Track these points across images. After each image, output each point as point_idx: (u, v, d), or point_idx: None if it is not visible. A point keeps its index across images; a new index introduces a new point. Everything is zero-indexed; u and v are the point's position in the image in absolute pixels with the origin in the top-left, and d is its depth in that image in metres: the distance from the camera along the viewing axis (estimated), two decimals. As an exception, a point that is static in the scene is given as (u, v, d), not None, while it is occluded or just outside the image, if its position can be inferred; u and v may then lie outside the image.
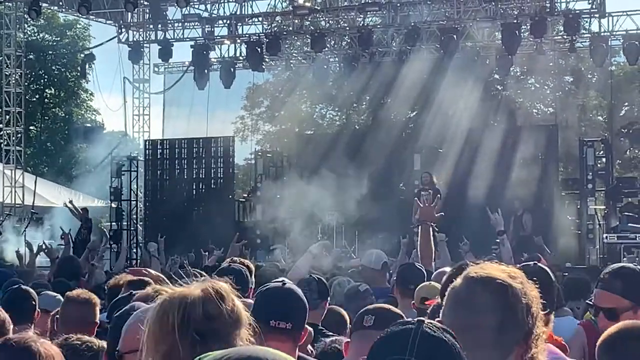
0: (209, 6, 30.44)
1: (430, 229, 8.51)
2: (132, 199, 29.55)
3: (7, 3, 30.87)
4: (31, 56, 40.56)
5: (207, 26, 30.16)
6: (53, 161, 47.97)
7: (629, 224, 22.17)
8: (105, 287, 6.95)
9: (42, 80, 49.85)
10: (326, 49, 29.56)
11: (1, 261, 23.12)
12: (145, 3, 30.35)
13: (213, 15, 30.48)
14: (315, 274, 7.40)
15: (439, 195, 21.19)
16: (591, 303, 4.97)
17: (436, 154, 26.43)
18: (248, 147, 43.14)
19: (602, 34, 27.23)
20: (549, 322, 4.05)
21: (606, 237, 22.43)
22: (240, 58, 30.82)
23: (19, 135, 31.28)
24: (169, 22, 30.59)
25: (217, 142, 29.39)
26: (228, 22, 30.06)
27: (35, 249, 16.67)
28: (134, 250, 28.20)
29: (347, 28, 29.90)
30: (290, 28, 30.05)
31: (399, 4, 27.89)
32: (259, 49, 28.99)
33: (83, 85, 48.05)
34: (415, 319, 2.42)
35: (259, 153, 32.29)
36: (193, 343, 2.71)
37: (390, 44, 29.44)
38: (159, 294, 4.66)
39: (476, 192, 23.13)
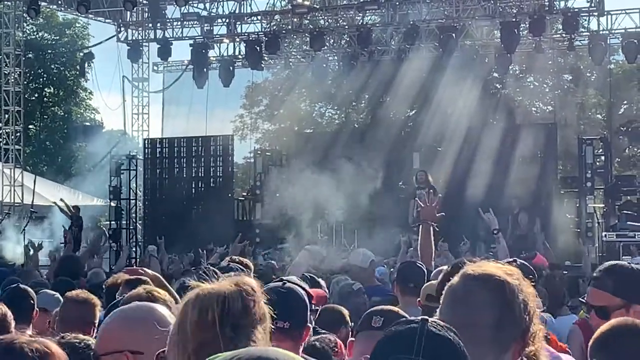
0: (208, 5, 30.43)
1: (431, 228, 8.53)
2: (131, 197, 29.57)
3: (6, 2, 30.85)
4: (30, 55, 40.62)
5: (206, 25, 30.17)
6: (52, 160, 47.96)
7: (628, 222, 22.21)
8: (104, 286, 6.94)
9: (41, 79, 49.85)
10: (325, 47, 29.56)
11: (1, 260, 23.12)
12: (145, 2, 30.36)
13: (212, 14, 30.49)
14: (309, 273, 7.42)
15: (435, 192, 21.28)
16: (584, 301, 4.99)
17: (435, 153, 26.44)
18: (247, 145, 43.16)
19: (601, 32, 27.24)
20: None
21: (605, 236, 22.47)
22: (240, 57, 30.82)
23: (18, 134, 31.27)
24: (168, 20, 30.59)
25: (216, 140, 29.40)
26: (227, 20, 30.07)
27: (35, 247, 16.67)
28: (134, 249, 28.21)
29: (346, 27, 29.91)
30: (289, 27, 30.05)
31: (397, 3, 27.89)
32: (258, 48, 29.00)
33: (82, 84, 48.08)
34: (420, 318, 2.42)
35: (258, 152, 32.26)
36: (230, 337, 2.73)
37: (389, 42, 29.44)
38: (150, 293, 4.68)
39: (475, 190, 23.13)
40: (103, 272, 12.47)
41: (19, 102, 31.08)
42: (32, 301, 6.68)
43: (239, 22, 30.10)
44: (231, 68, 30.63)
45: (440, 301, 3.00)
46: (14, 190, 31.19)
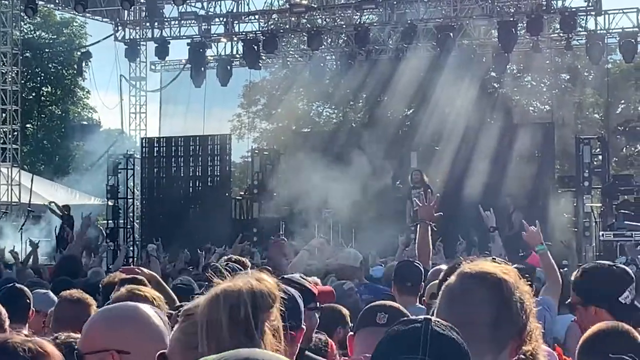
0: (205, 4, 30.44)
1: (429, 227, 8.56)
2: (128, 196, 29.57)
3: (3, 1, 30.84)
4: (27, 54, 40.62)
5: (203, 24, 30.17)
6: (49, 159, 47.95)
7: (625, 222, 22.21)
8: (100, 285, 6.94)
9: (38, 78, 49.83)
10: (323, 46, 29.56)
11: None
12: (142, 1, 30.35)
13: (209, 13, 30.48)
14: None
15: (430, 191, 21.25)
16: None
17: (433, 152, 26.44)
18: (245, 144, 43.16)
19: (599, 31, 27.24)
20: None
21: (602, 235, 22.47)
22: (237, 56, 30.82)
23: (16, 133, 31.25)
24: (165, 20, 30.59)
25: (213, 139, 29.38)
26: (225, 20, 30.08)
27: (35, 246, 16.70)
28: (131, 248, 28.20)
29: (344, 26, 29.92)
30: (287, 26, 30.07)
31: (395, 2, 27.91)
32: (255, 47, 29.00)
33: (79, 83, 48.06)
34: (422, 317, 2.42)
35: (256, 151, 32.24)
36: (254, 332, 2.79)
37: (387, 41, 29.44)
38: (132, 292, 4.67)
39: (472, 190, 23.13)
40: (103, 272, 12.45)
41: (17, 101, 31.05)
42: (27, 301, 6.67)
43: (236, 21, 30.10)
44: (229, 67, 30.63)
45: (438, 300, 3.01)
46: (12, 190, 31.17)
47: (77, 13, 31.06)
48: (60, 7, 32.72)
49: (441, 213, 9.18)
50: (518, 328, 2.86)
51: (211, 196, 28.57)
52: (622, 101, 43.51)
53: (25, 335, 2.87)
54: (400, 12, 28.10)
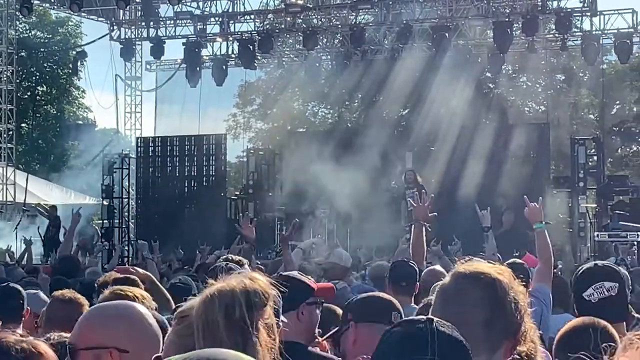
0: (201, 4, 30.42)
1: (423, 228, 8.57)
2: (123, 196, 29.50)
3: (-2, 0, 30.84)
4: (23, 53, 40.54)
5: (199, 24, 30.15)
6: (45, 158, 47.89)
7: (620, 222, 22.21)
8: (96, 285, 6.93)
9: (33, 78, 49.75)
10: (318, 46, 29.56)
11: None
12: (137, 0, 30.31)
13: (205, 12, 30.46)
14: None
15: (424, 192, 21.24)
16: None
17: (428, 152, 26.45)
18: (240, 144, 43.09)
19: (594, 32, 27.28)
20: None
21: (597, 235, 22.47)
22: (233, 56, 30.82)
23: (11, 132, 31.23)
24: (161, 19, 30.56)
25: (209, 139, 29.34)
26: (220, 19, 30.06)
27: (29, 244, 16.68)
28: (126, 247, 28.16)
29: (339, 26, 29.92)
30: (283, 26, 30.05)
31: (391, 2, 27.90)
32: (251, 47, 28.99)
33: (75, 83, 48.04)
34: (424, 317, 2.42)
35: (251, 151, 32.23)
36: (251, 330, 2.82)
37: (383, 42, 29.45)
38: (116, 294, 4.66)
39: (468, 190, 23.14)
40: (100, 271, 12.44)
41: (12, 101, 31.02)
42: (21, 300, 6.65)
43: (232, 21, 30.08)
44: (224, 67, 30.62)
45: (433, 300, 3.01)
46: (6, 189, 31.15)
47: (72, 12, 31.04)
48: (55, 7, 32.69)
49: (436, 213, 9.18)
50: (512, 328, 2.86)
51: (206, 196, 28.55)
52: (617, 102, 43.56)
53: (20, 335, 2.87)
54: (396, 12, 28.10)
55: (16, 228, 26.59)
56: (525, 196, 8.01)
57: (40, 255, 24.91)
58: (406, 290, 7.34)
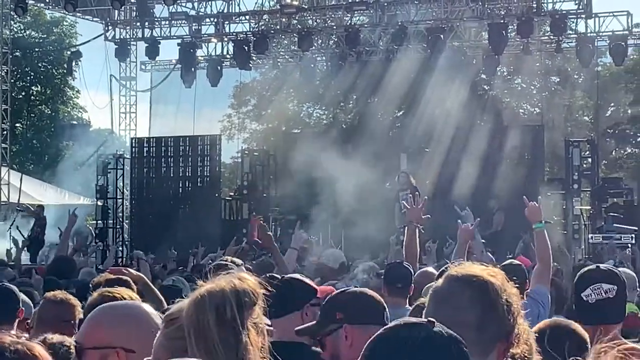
0: (196, 4, 30.40)
1: (417, 230, 8.59)
2: (118, 196, 29.51)
3: (-7, 0, 30.80)
4: (17, 53, 40.44)
5: (194, 24, 30.13)
6: (39, 159, 47.85)
7: (614, 224, 22.26)
8: (90, 285, 6.92)
9: (28, 78, 49.70)
10: (313, 47, 29.56)
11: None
12: (132, 0, 30.29)
13: (200, 13, 30.45)
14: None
15: (418, 194, 21.18)
16: None
17: (422, 154, 26.45)
18: (235, 145, 43.17)
19: (589, 34, 27.32)
20: None
21: (591, 237, 22.51)
22: (228, 56, 30.80)
23: (5, 132, 31.19)
24: (156, 19, 30.53)
25: (203, 140, 29.32)
26: (215, 20, 30.04)
27: (20, 245, 16.63)
28: (120, 248, 28.16)
29: (335, 27, 29.91)
30: (278, 27, 30.04)
31: (386, 4, 27.91)
32: (246, 48, 28.99)
33: (69, 83, 47.97)
34: (425, 320, 2.40)
35: (246, 151, 32.24)
36: (242, 330, 2.82)
37: (378, 43, 29.46)
38: (104, 296, 4.66)
39: (462, 192, 23.14)
40: (94, 272, 12.43)
41: (6, 101, 30.98)
42: (16, 301, 6.63)
43: (227, 22, 30.07)
44: (219, 67, 30.61)
45: (426, 302, 3.02)
46: (0, 189, 31.10)
47: (67, 12, 31.00)
48: (50, 7, 32.67)
49: (429, 215, 9.20)
50: (505, 330, 2.86)
51: (201, 196, 28.52)
52: (612, 104, 43.65)
53: (17, 337, 2.85)
54: (391, 13, 28.12)
55: (10, 228, 26.53)
56: (524, 196, 7.99)
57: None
58: (401, 291, 7.36)
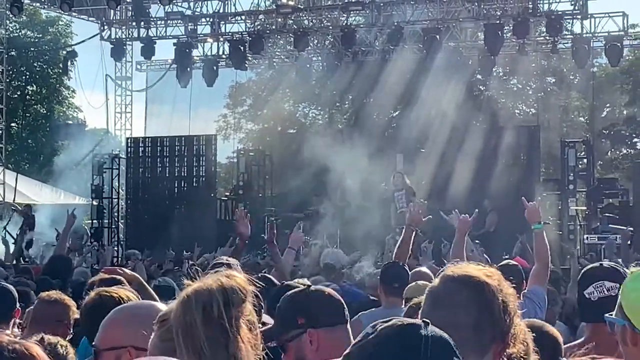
0: (192, 4, 30.40)
1: (414, 233, 8.63)
2: (113, 196, 29.50)
3: (-12, -1, 30.76)
4: (13, 53, 40.43)
5: (190, 24, 30.12)
6: (34, 158, 47.74)
7: (610, 225, 22.28)
8: (87, 285, 6.93)
9: (23, 77, 49.59)
10: (309, 48, 29.56)
11: None
12: (128, 0, 30.28)
13: (196, 13, 30.45)
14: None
15: (414, 197, 21.20)
16: None
17: (418, 154, 26.44)
18: (230, 145, 43.13)
19: (584, 35, 27.35)
20: None
21: (587, 238, 22.53)
22: (223, 56, 30.79)
23: (0, 132, 31.16)
24: (151, 19, 30.51)
25: (199, 140, 29.31)
26: (211, 20, 30.03)
27: (9, 245, 16.63)
28: (115, 248, 28.12)
29: (331, 27, 29.92)
30: (274, 27, 30.03)
31: (382, 4, 27.91)
32: (242, 48, 28.98)
33: (65, 83, 47.88)
34: (421, 320, 2.39)
35: (242, 151, 32.22)
36: (231, 329, 2.82)
37: (374, 43, 29.46)
38: (101, 295, 4.67)
39: (458, 192, 23.14)
40: (89, 272, 12.42)
41: (1, 100, 30.97)
42: (13, 300, 6.63)
43: (223, 22, 30.06)
44: (215, 67, 30.60)
45: (422, 303, 3.02)
46: (-4, 189, 31.10)
47: (62, 12, 30.99)
48: (46, 6, 32.63)
49: (430, 216, 9.22)
50: (501, 331, 2.86)
51: (196, 196, 28.52)
52: (608, 105, 43.69)
53: (14, 336, 2.86)
54: (387, 14, 28.12)
55: (5, 228, 26.50)
56: (523, 197, 8.00)
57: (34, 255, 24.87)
58: (398, 291, 7.37)
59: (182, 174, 29.20)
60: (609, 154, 43.49)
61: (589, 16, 27.04)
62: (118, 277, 6.03)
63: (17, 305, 6.56)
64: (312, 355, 3.86)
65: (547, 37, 27.95)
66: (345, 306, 4.07)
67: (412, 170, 23.87)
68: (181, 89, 31.51)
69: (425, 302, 2.96)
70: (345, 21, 29.22)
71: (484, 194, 23.43)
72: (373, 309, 7.63)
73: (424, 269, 8.34)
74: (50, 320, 5.69)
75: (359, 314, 7.52)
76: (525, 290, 6.78)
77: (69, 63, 32.95)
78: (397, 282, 7.41)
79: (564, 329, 8.76)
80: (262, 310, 4.12)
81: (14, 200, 30.68)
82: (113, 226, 29.29)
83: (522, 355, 2.96)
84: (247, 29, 29.78)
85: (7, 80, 34.80)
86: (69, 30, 48.65)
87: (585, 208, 25.69)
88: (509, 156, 25.39)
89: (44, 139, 48.73)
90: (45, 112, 50.59)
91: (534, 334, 3.49)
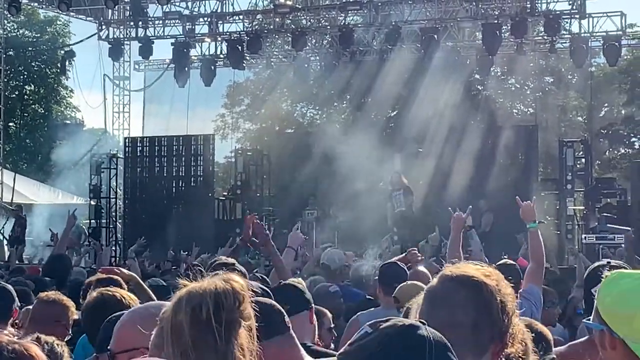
0: (189, 4, 30.39)
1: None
2: (111, 196, 29.48)
3: (-14, -1, 30.73)
4: (11, 52, 40.43)
5: (187, 24, 30.12)
6: (32, 158, 47.78)
7: (608, 225, 22.27)
8: (84, 285, 6.93)
9: (21, 77, 49.62)
10: (307, 47, 29.56)
11: None
12: (126, 0, 30.27)
13: (194, 13, 30.44)
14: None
15: (412, 194, 21.23)
16: None
17: (416, 154, 26.45)
18: (228, 145, 43.11)
19: (582, 34, 27.33)
20: None
21: (585, 238, 22.52)
22: (221, 56, 30.78)
23: (-2, 131, 31.15)
24: (149, 19, 30.51)
25: (197, 140, 29.29)
26: (209, 20, 30.03)
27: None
28: (113, 248, 28.10)
29: (328, 27, 29.91)
30: (271, 26, 30.03)
31: (380, 4, 27.92)
32: (239, 47, 28.98)
33: (63, 82, 47.88)
34: (418, 320, 2.39)
35: (239, 151, 32.21)
36: (222, 333, 2.79)
37: (371, 43, 29.45)
38: (102, 294, 4.67)
39: (456, 192, 23.15)
40: (85, 272, 12.41)
41: (-1, 100, 30.95)
42: (11, 300, 6.63)
43: (220, 22, 30.06)
44: (213, 67, 30.58)
45: (421, 303, 3.01)
46: (-7, 188, 31.07)
47: (60, 12, 30.96)
48: (44, 6, 32.61)
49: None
50: (499, 331, 2.85)
51: (194, 196, 28.49)
52: (606, 104, 43.69)
53: (14, 336, 2.86)
54: (385, 13, 28.12)
55: (3, 227, 26.52)
56: (517, 197, 7.96)
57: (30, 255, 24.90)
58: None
59: (180, 174, 29.17)
60: (607, 153, 43.50)
61: (587, 16, 27.04)
62: (115, 277, 6.04)
63: (16, 304, 6.56)
64: None
65: (545, 37, 27.95)
66: (283, 312, 3.94)
67: (410, 169, 23.88)
68: (179, 89, 31.50)
69: (424, 302, 2.96)
70: (343, 21, 29.21)
71: (482, 193, 23.44)
72: (372, 309, 7.63)
73: (421, 268, 8.30)
74: (48, 321, 5.69)
75: (358, 313, 7.53)
76: (521, 290, 6.77)
77: (67, 63, 32.95)
78: (396, 282, 7.39)
79: (562, 332, 8.74)
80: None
81: (11, 200, 30.66)
82: (111, 226, 29.28)
83: (520, 355, 2.96)
84: (244, 29, 29.77)
85: (5, 80, 34.78)
86: (66, 30, 48.70)
87: (583, 208, 25.69)
88: (507, 156, 25.41)
89: (41, 139, 48.73)
90: (43, 111, 50.59)
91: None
